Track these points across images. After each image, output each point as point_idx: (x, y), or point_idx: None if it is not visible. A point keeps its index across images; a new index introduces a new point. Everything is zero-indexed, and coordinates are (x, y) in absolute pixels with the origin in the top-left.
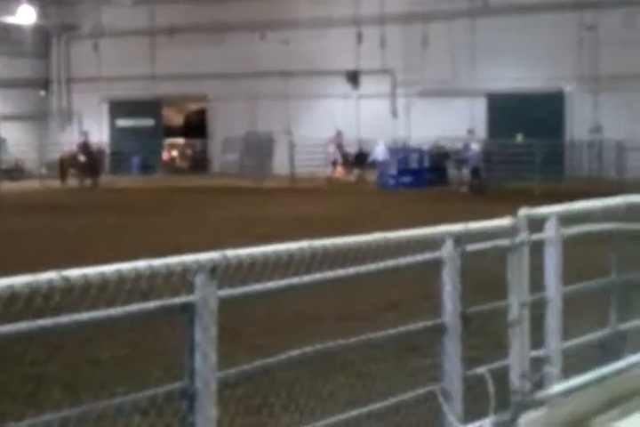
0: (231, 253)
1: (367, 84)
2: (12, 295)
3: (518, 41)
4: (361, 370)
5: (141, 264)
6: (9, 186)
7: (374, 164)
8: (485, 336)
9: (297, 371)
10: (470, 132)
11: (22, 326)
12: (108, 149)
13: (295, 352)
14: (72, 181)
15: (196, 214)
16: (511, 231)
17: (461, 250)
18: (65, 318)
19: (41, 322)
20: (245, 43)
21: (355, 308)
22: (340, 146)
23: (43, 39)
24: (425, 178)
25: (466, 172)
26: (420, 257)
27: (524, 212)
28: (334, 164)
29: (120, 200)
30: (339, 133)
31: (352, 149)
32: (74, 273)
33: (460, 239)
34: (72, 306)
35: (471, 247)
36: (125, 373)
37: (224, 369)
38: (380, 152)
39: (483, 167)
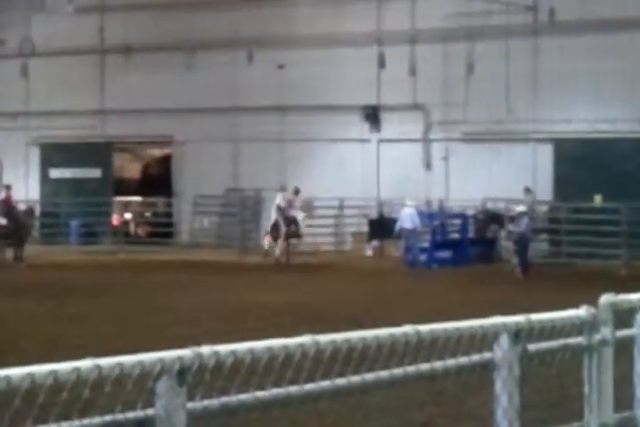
0: (207, 349)
1: (391, 125)
2: None
3: (595, 67)
4: None
5: (85, 364)
6: None
7: (399, 233)
8: None
9: None
10: (528, 191)
11: None
12: (37, 210)
13: None
14: None
15: (156, 301)
16: (589, 326)
17: (521, 350)
18: None
19: None
20: (227, 66)
21: None
22: (289, 206)
23: None
24: (468, 253)
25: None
26: (464, 359)
27: (607, 299)
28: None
29: (52, 280)
30: (296, 191)
31: (371, 213)
32: None
33: (518, 336)
34: None
35: (534, 347)
36: None
37: None
38: (407, 217)
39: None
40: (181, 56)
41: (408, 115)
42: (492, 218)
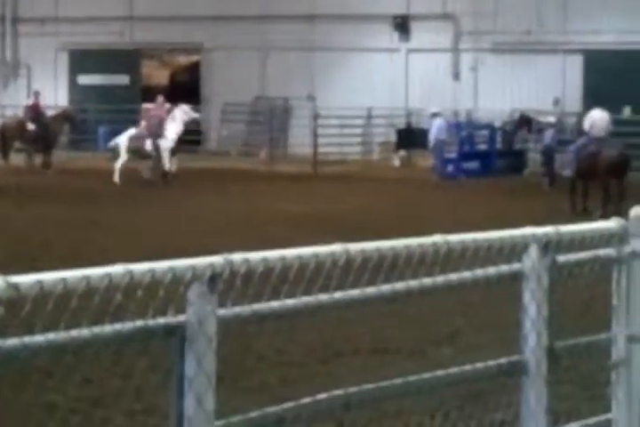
0: (238, 257)
1: (420, 35)
2: None
3: None
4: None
5: (116, 270)
6: None
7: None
8: (579, 381)
9: (320, 423)
10: (557, 102)
11: None
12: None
13: (320, 396)
14: (17, 159)
15: (185, 208)
16: (619, 238)
17: (550, 261)
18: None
19: None
20: None
21: (398, 339)
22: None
23: None
24: (496, 164)
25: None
26: (492, 270)
27: (637, 211)
28: None
29: (81, 186)
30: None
31: (398, 123)
32: (24, 280)
33: (547, 247)
34: (16, 326)
35: (563, 258)
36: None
37: (224, 417)
38: (441, 128)
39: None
40: None
41: (438, 24)
42: (523, 122)
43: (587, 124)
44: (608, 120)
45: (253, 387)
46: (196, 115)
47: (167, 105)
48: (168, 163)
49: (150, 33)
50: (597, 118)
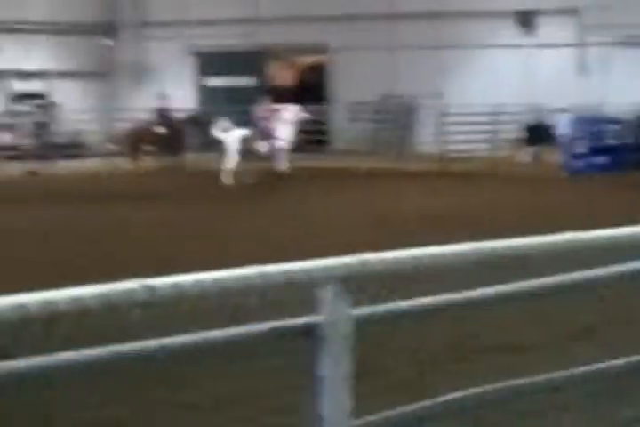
0: (373, 256)
1: (545, 30)
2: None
3: None
4: (543, 424)
5: (250, 272)
6: (65, 166)
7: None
8: None
9: (458, 420)
10: None
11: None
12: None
13: (456, 395)
14: (146, 161)
15: (312, 207)
16: None
17: None
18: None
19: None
20: None
21: (530, 335)
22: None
23: None
24: (627, 159)
25: None
26: (626, 266)
27: None
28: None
29: (213, 186)
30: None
31: (527, 119)
32: (160, 282)
33: None
34: (150, 326)
35: None
36: (228, 418)
37: (361, 416)
38: (564, 124)
39: None
40: None
41: (563, 19)
42: None
43: None
44: None
45: (389, 385)
46: (306, 115)
47: (276, 106)
48: (282, 164)
49: (276, 34)
50: None
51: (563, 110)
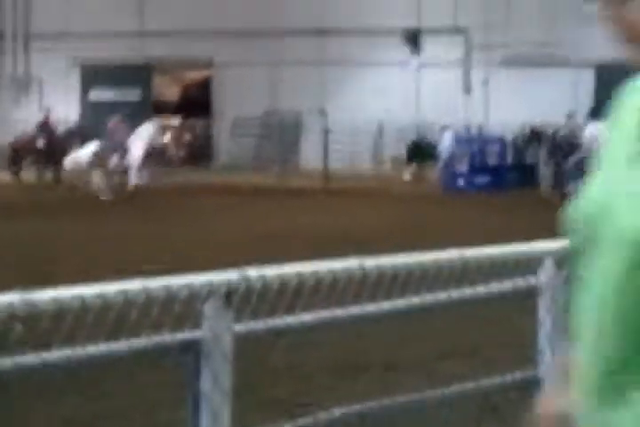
0: (254, 272)
1: (431, 48)
2: None
3: None
4: None
5: (133, 285)
6: None
7: (436, 157)
8: None
9: None
10: (570, 116)
11: None
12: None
13: (335, 411)
14: (26, 174)
15: (195, 226)
16: None
17: (566, 275)
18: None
19: None
20: None
21: (411, 354)
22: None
23: None
24: (507, 178)
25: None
26: (507, 285)
27: None
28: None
29: (89, 201)
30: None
31: (409, 137)
32: (39, 296)
33: (563, 261)
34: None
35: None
36: None
37: None
38: (446, 142)
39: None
40: None
41: (449, 38)
42: (534, 137)
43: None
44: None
45: (268, 401)
46: (161, 138)
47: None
48: (134, 178)
49: (161, 48)
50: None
51: (445, 128)
